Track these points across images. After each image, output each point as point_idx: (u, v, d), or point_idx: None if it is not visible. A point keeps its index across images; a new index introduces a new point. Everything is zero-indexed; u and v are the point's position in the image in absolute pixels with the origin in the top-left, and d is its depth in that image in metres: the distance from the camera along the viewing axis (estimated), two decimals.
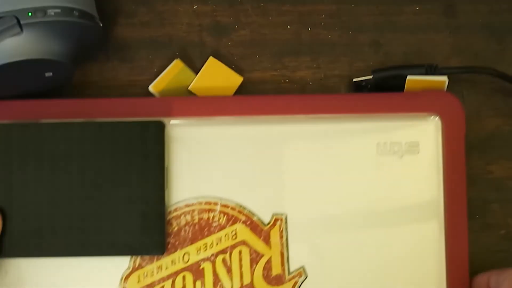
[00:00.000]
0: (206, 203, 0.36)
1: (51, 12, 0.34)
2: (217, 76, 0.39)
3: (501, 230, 0.39)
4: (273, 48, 0.40)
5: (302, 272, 0.36)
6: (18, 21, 0.33)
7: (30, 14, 0.33)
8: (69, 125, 0.35)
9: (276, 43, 0.40)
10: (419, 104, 0.37)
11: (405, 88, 0.38)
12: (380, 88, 0.39)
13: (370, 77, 0.39)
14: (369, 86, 0.40)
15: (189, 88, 0.39)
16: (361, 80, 0.39)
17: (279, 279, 0.36)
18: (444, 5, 0.40)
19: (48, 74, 0.36)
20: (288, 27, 0.40)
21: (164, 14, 0.40)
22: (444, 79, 0.37)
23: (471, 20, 0.40)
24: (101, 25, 0.37)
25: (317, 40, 0.40)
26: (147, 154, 0.35)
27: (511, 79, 0.38)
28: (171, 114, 0.37)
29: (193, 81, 0.39)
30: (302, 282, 0.36)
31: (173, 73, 0.39)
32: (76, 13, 0.35)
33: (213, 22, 0.40)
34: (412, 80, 0.38)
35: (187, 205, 0.36)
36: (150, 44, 0.40)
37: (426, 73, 0.38)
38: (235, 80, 0.39)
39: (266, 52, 0.40)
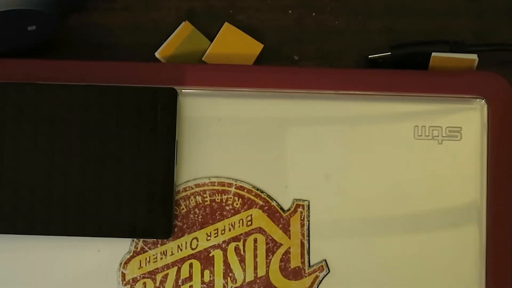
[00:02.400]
0: (219, 183, 0.33)
1: None
2: (233, 44, 0.37)
3: None
4: (273, 36, 0.38)
5: (323, 266, 0.33)
6: None
7: None
8: (71, 87, 0.32)
9: (276, 30, 0.38)
10: (464, 85, 0.34)
11: (429, 66, 0.35)
12: (399, 67, 0.36)
13: (388, 53, 0.36)
14: (384, 63, 0.37)
15: (203, 58, 0.36)
16: (377, 57, 0.37)
17: (298, 273, 0.33)
18: None
19: (32, 27, 0.34)
20: (290, 11, 0.38)
21: None
22: (474, 57, 0.35)
23: (495, 4, 0.38)
24: None
25: (323, 26, 0.38)
26: (156, 125, 0.32)
27: None
28: (184, 82, 0.34)
29: (208, 49, 0.36)
30: (323, 278, 0.33)
31: (182, 36, 0.37)
32: None
33: (205, 6, 0.38)
34: (438, 57, 0.35)
35: (197, 185, 0.33)
36: (132, 32, 0.38)
37: (451, 51, 0.35)
38: (254, 47, 0.36)
39: (264, 40, 0.37)
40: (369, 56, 0.36)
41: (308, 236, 0.33)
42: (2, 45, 0.35)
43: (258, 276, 0.33)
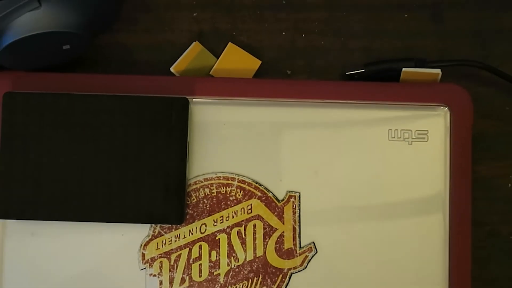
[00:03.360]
0: (224, 178, 0.36)
1: None
2: (236, 60, 0.39)
3: (486, 227, 0.38)
4: (269, 54, 0.40)
5: (312, 248, 0.35)
6: None
7: None
8: (99, 97, 0.34)
9: (272, 49, 0.40)
10: (430, 95, 0.36)
11: (400, 79, 0.37)
12: (373, 81, 0.38)
13: (363, 70, 0.38)
14: (359, 78, 0.38)
15: (210, 72, 0.38)
16: (353, 73, 0.38)
17: (290, 253, 0.35)
18: (431, 12, 0.40)
19: (66, 46, 0.35)
20: (283, 33, 0.40)
21: (165, 21, 0.39)
22: (438, 71, 0.37)
23: (457, 27, 0.40)
24: None
25: (311, 46, 0.40)
26: (171, 129, 0.34)
27: (498, 72, 0.37)
28: (194, 93, 0.36)
29: (214, 65, 0.38)
30: (312, 257, 0.35)
31: (193, 54, 0.38)
32: None
33: (212, 28, 0.39)
34: (408, 71, 0.37)
35: (206, 179, 0.35)
36: (151, 50, 0.39)
37: (416, 66, 0.37)
38: (254, 63, 0.38)
39: (262, 57, 0.39)
40: (347, 73, 0.38)
41: (299, 222, 0.35)
42: (41, 61, 0.36)
43: (257, 256, 0.35)
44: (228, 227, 0.35)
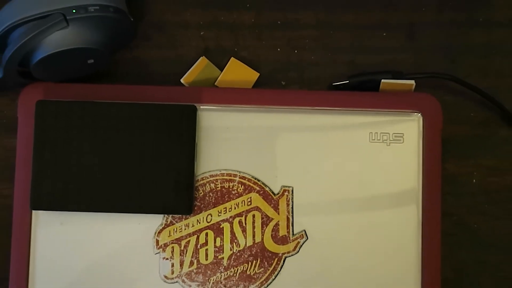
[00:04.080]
0: (227, 174, 0.37)
1: (91, 9, 0.34)
2: (237, 73, 0.39)
3: (454, 217, 0.39)
4: (266, 67, 0.40)
5: (303, 235, 0.36)
6: (65, 17, 0.34)
7: (74, 11, 0.34)
8: (119, 104, 0.36)
9: (269, 63, 0.40)
10: (405, 102, 0.37)
11: (380, 89, 0.38)
12: (357, 90, 0.39)
13: (347, 81, 0.39)
14: (344, 88, 0.39)
15: (215, 83, 0.39)
16: (339, 84, 0.39)
17: (285, 240, 0.36)
18: (407, 31, 0.40)
19: (90, 61, 0.36)
20: (278, 49, 0.40)
21: (176, 38, 0.40)
22: (412, 82, 0.38)
23: (429, 43, 0.40)
24: (132, 19, 0.37)
25: (302, 60, 0.40)
26: (181, 132, 0.36)
27: (465, 83, 0.38)
28: (201, 101, 0.37)
29: (219, 77, 0.39)
30: (303, 243, 0.36)
31: (200, 68, 0.39)
32: (111, 9, 0.35)
33: (216, 45, 0.40)
34: (386, 83, 0.38)
35: (211, 175, 0.37)
36: (163, 64, 0.40)
37: (393, 78, 0.38)
38: (253, 75, 0.39)
39: (260, 70, 0.40)
40: (333, 84, 0.39)
41: (292, 213, 0.36)
42: (69, 73, 0.38)
43: (256, 242, 0.36)
44: (230, 217, 0.36)
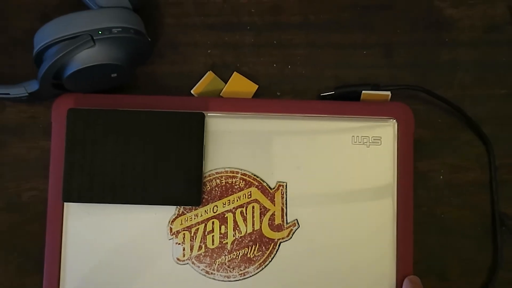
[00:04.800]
0: (230, 171, 0.37)
1: (114, 30, 0.35)
2: (239, 85, 0.40)
3: (424, 208, 0.40)
4: (264, 80, 0.41)
5: (296, 223, 0.37)
6: (92, 38, 0.35)
7: (100, 32, 0.35)
8: (138, 112, 0.37)
9: (266, 77, 0.41)
10: (382, 110, 0.38)
11: (361, 99, 0.39)
12: (342, 100, 0.39)
13: (333, 92, 0.40)
14: (330, 98, 0.40)
15: (220, 94, 0.39)
16: (326, 94, 0.40)
17: (280, 227, 0.37)
18: (384, 50, 0.41)
19: (114, 75, 0.37)
20: (274, 65, 0.41)
21: (187, 56, 0.41)
22: (388, 93, 0.39)
23: (403, 61, 0.41)
24: (149, 39, 0.38)
25: (295, 74, 0.41)
26: (191, 135, 0.36)
27: (433, 94, 0.40)
28: (208, 109, 0.38)
29: (223, 88, 0.39)
30: (296, 230, 0.37)
31: (207, 81, 0.40)
32: (132, 31, 0.36)
33: (221, 61, 0.41)
34: (366, 93, 0.39)
35: (217, 173, 0.37)
36: (176, 77, 0.41)
37: (372, 89, 0.39)
38: (252, 87, 0.40)
39: (259, 82, 0.40)
40: (321, 94, 0.40)
41: (286, 204, 0.37)
42: (95, 85, 0.38)
43: (255, 229, 0.37)
44: (233, 208, 0.37)
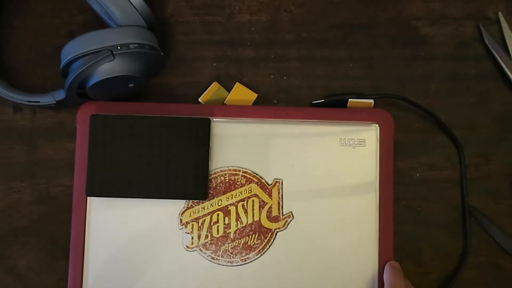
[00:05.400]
0: (233, 170, 0.38)
1: (132, 46, 0.36)
2: (241, 94, 0.40)
3: (402, 201, 0.40)
4: (262, 89, 0.41)
5: (290, 215, 0.38)
6: (112, 53, 0.35)
7: (119, 48, 0.35)
8: (153, 117, 0.37)
9: (264, 86, 0.41)
10: (367, 116, 0.39)
11: (347, 106, 0.39)
12: (331, 107, 0.40)
13: (323, 100, 0.40)
14: (321, 105, 0.40)
15: (224, 102, 0.40)
16: (317, 102, 0.40)
17: (276, 218, 0.38)
18: (367, 63, 0.41)
19: (131, 85, 0.38)
20: (272, 76, 0.41)
21: (195, 68, 0.41)
22: (371, 101, 0.39)
23: (384, 72, 0.41)
24: (162, 54, 0.38)
25: (289, 84, 0.41)
26: (198, 138, 0.37)
27: (410, 101, 0.40)
28: (214, 115, 0.38)
29: (227, 97, 0.40)
30: (290, 221, 0.38)
31: (213, 90, 0.40)
32: (147, 47, 0.36)
33: (225, 73, 0.41)
34: (352, 101, 0.39)
35: (221, 171, 0.38)
36: (186, 87, 0.41)
37: (357, 98, 0.39)
38: (252, 96, 0.40)
39: (258, 91, 0.41)
40: (312, 102, 0.41)
41: (282, 198, 0.38)
42: (114, 94, 0.39)
43: (254, 220, 0.38)
44: (236, 201, 0.38)
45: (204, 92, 0.40)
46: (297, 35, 0.42)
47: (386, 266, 0.37)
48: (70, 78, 0.36)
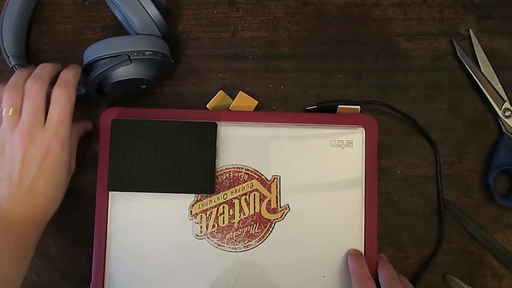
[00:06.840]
0: (237, 167, 0.39)
1: (147, 53, 0.36)
2: (243, 101, 0.41)
3: (385, 195, 0.41)
4: (262, 97, 0.42)
5: (287, 207, 0.39)
6: (129, 57, 0.36)
7: (135, 54, 0.36)
8: (166, 122, 0.38)
9: (264, 94, 0.42)
10: (354, 120, 0.40)
11: (337, 112, 0.40)
12: (323, 112, 0.40)
13: (316, 106, 0.41)
14: (314, 111, 0.41)
15: (229, 108, 0.41)
16: (310, 108, 0.41)
17: (275, 210, 0.39)
18: (354, 74, 0.42)
19: (143, 86, 0.39)
20: (270, 85, 0.42)
21: (203, 78, 0.42)
22: (358, 107, 0.40)
23: (369, 82, 0.42)
24: (172, 61, 0.39)
25: (286, 92, 0.42)
26: (206, 140, 0.38)
27: (392, 108, 0.41)
28: (220, 119, 0.39)
29: (231, 104, 0.41)
30: (287, 213, 0.39)
31: (219, 97, 0.41)
32: (160, 54, 0.37)
33: (230, 83, 0.42)
34: (341, 107, 0.40)
35: (226, 168, 0.39)
36: (194, 95, 0.42)
37: (346, 104, 0.40)
38: (253, 103, 0.41)
39: (258, 99, 0.41)
40: (306, 108, 0.41)
41: (280, 193, 0.39)
42: (129, 93, 0.39)
43: (255, 212, 0.39)
44: (239, 195, 0.39)
45: (211, 99, 0.41)
46: (293, 50, 0.43)
47: (348, 257, 0.37)
48: (91, 76, 0.36)
